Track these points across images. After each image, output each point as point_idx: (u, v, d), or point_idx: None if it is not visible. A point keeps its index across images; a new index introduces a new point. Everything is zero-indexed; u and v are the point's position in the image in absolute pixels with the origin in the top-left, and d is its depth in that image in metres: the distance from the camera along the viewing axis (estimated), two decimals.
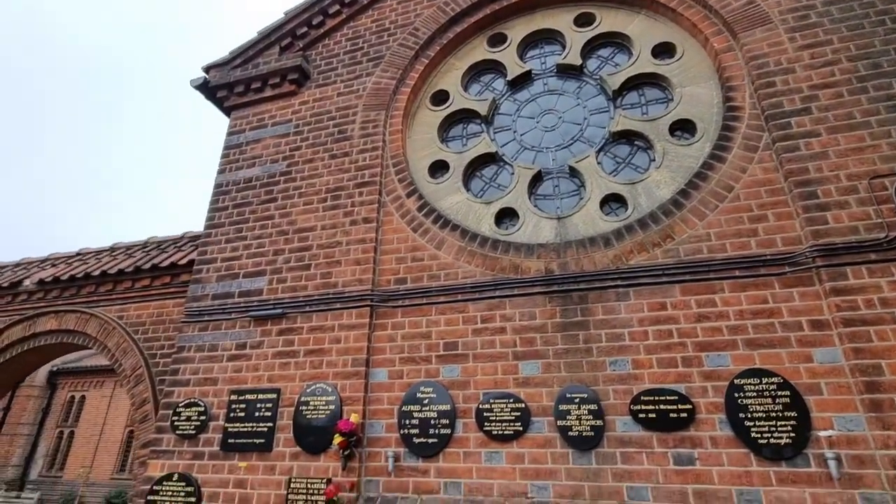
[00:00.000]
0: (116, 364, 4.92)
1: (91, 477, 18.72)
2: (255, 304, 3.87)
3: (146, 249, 5.46)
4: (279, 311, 3.74)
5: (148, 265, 4.99)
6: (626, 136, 3.79)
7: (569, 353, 3.05)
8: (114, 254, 5.59)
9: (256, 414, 3.46)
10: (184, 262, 4.86)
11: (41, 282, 5.49)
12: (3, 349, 5.49)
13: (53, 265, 5.84)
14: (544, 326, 3.17)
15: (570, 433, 2.84)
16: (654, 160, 3.61)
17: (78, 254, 5.90)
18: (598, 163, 3.73)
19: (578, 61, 4.14)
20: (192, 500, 3.32)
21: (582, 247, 3.33)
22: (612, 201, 3.58)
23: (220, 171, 4.69)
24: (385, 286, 3.64)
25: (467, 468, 2.97)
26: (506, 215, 3.79)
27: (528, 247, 3.46)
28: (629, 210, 3.44)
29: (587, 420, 2.84)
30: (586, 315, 3.11)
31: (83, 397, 21.44)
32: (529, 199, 3.77)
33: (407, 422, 3.16)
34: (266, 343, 3.70)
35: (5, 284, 5.62)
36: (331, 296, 3.68)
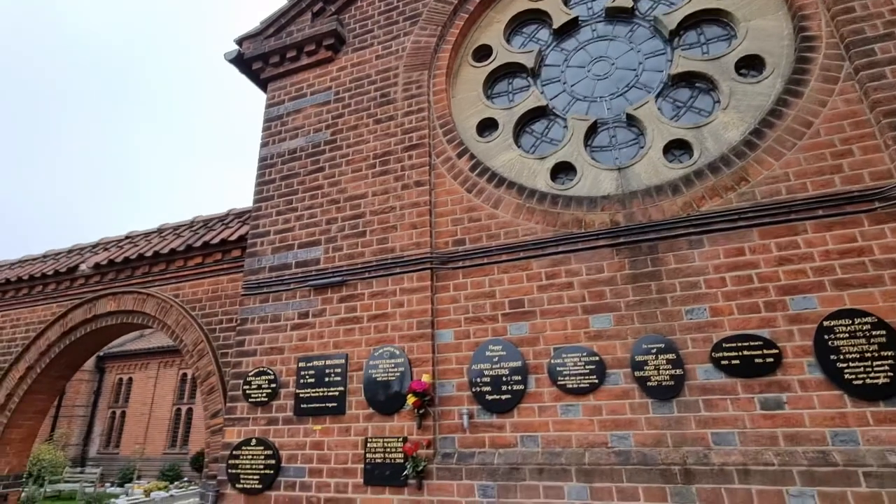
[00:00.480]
0: (177, 340, 5.07)
1: (145, 453, 19.76)
2: (314, 273, 3.89)
3: (193, 229, 5.53)
4: (338, 278, 3.76)
5: (199, 243, 5.06)
6: (687, 79, 3.60)
7: (642, 304, 2.99)
8: (162, 234, 5.69)
9: (326, 379, 3.52)
10: (234, 237, 4.91)
11: (97, 265, 5.64)
12: (69, 331, 5.71)
13: (105, 249, 5.99)
14: (613, 279, 3.11)
15: (649, 383, 2.81)
16: (718, 101, 3.43)
17: (127, 237, 6.03)
18: (658, 109, 3.56)
19: (629, 3, 3.92)
20: (273, 461, 3.44)
21: (648, 196, 3.22)
22: (675, 148, 3.43)
23: (263, 145, 4.67)
24: (443, 248, 3.61)
25: (543, 422, 2.98)
26: (561, 170, 3.69)
27: (589, 200, 3.36)
28: (695, 155, 3.30)
29: (666, 370, 2.80)
30: (658, 265, 3.03)
31: (130, 379, 22.43)
32: (585, 151, 3.65)
33: (478, 380, 3.17)
34: (328, 311, 3.74)
35: (63, 269, 5.80)
36: (389, 261, 3.67)
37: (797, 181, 2.89)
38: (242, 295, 4.12)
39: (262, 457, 3.49)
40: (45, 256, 6.50)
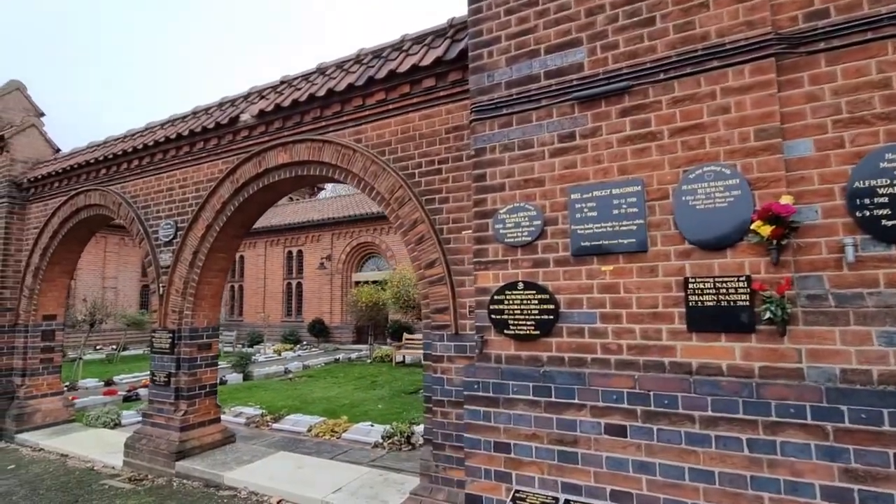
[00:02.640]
0: (366, 189, 4.58)
1: (267, 320, 21.89)
2: (576, 83, 3.01)
3: (362, 62, 4.73)
4: (617, 85, 2.86)
5: (382, 73, 4.28)
6: None
7: None
8: (327, 73, 4.95)
9: (615, 212, 2.83)
10: (426, 62, 4.06)
11: (261, 113, 5.11)
12: (241, 188, 5.44)
13: (262, 97, 5.42)
14: None
15: None
16: None
17: (283, 82, 5.38)
18: None
19: None
20: (550, 306, 2.94)
21: None
22: None
23: None
24: (789, 27, 2.55)
25: None
26: None
27: None
28: None
29: None
30: None
31: (241, 257, 24.15)
32: None
33: (866, 201, 2.32)
34: (604, 129, 2.92)
35: (224, 121, 5.36)
36: (700, 53, 2.68)
37: None
38: (473, 120, 3.38)
39: (536, 301, 2.99)
40: (194, 113, 6.10)
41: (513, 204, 3.15)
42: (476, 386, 3.12)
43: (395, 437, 6.50)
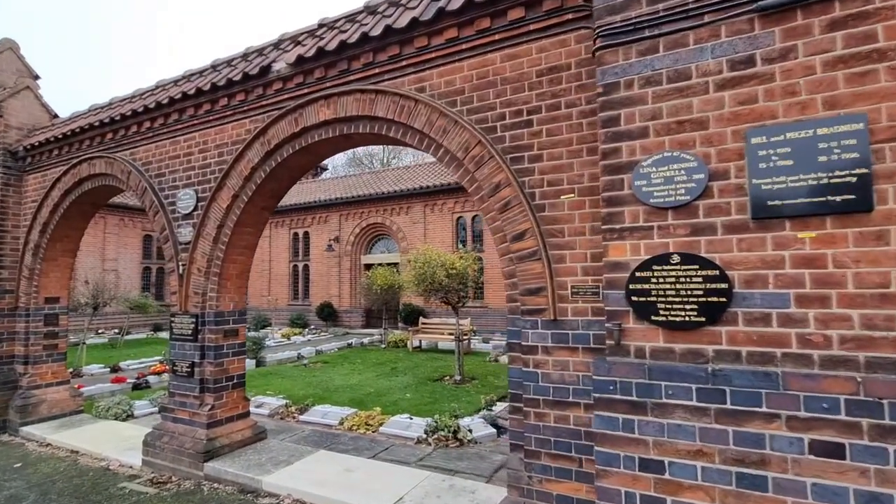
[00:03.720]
0: (432, 148, 3.84)
1: (274, 303, 21.24)
2: None
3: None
4: None
5: (456, 4, 3.50)
6: None
7: None
8: (378, 12, 4.16)
9: (821, 159, 2.12)
10: None
11: (300, 60, 4.32)
12: (273, 150, 4.68)
13: (297, 43, 4.63)
14: None
15: None
16: None
17: (321, 25, 4.58)
18: None
19: None
20: (720, 285, 2.25)
21: None
22: None
23: None
24: None
25: None
26: None
27: None
28: None
29: None
30: None
31: None
32: None
33: None
34: (801, 49, 2.19)
35: (254, 71, 4.57)
36: None
37: None
38: (600, 49, 2.64)
39: (699, 279, 2.30)
40: (213, 67, 5.30)
41: (660, 154, 2.44)
42: (611, 387, 2.44)
43: (441, 433, 5.88)
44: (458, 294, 10.37)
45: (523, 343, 3.34)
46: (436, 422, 6.08)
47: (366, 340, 16.35)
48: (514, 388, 3.41)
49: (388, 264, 17.51)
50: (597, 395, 2.48)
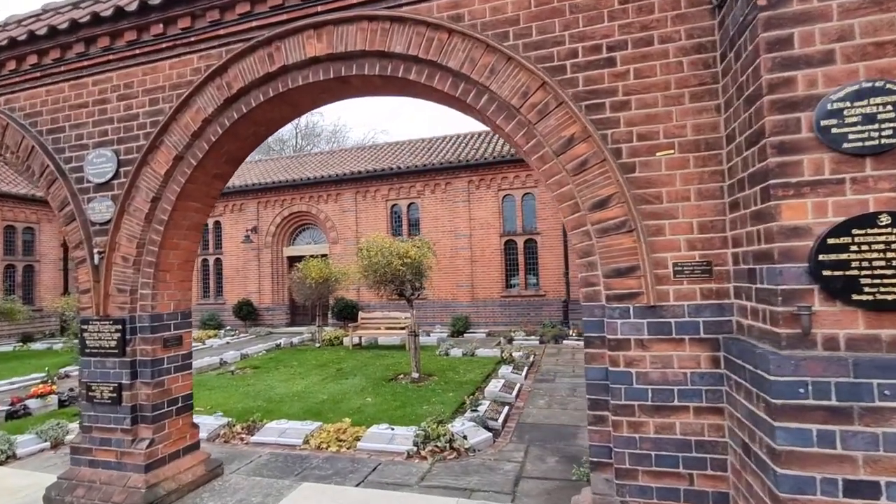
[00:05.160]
0: (475, 95, 3.02)
1: None
2: None
3: None
4: None
5: None
6: None
7: None
8: None
9: None
10: None
11: None
12: (234, 98, 3.52)
13: None
14: None
15: None
16: None
17: None
18: None
19: None
20: None
21: None
22: None
23: None
24: None
25: None
26: None
27: None
28: None
29: None
30: None
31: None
32: None
33: None
34: None
35: None
36: None
37: None
38: None
39: None
40: None
41: (855, 85, 1.88)
42: (802, 390, 1.86)
43: (436, 443, 5.08)
44: (413, 285, 9.52)
45: (609, 336, 2.68)
46: (425, 431, 5.26)
47: (295, 340, 14.82)
48: (594, 393, 2.75)
49: (315, 256, 16.05)
50: (780, 402, 1.88)
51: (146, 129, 3.73)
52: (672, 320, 2.58)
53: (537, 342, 12.76)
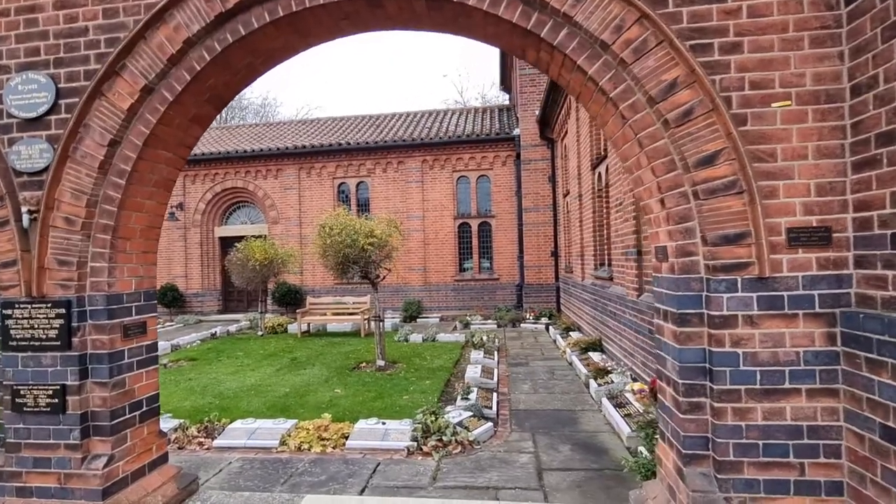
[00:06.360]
0: (552, 28, 2.52)
1: None
2: None
3: None
4: None
5: None
6: None
7: None
8: None
9: None
10: None
11: None
12: (228, 14, 2.74)
13: None
14: None
15: None
16: None
17: None
18: None
19: None
20: None
21: None
22: None
23: None
24: None
25: None
26: None
27: None
28: None
29: None
30: None
31: None
32: None
33: None
34: None
35: None
36: None
37: None
38: None
39: None
40: None
41: None
42: None
43: (442, 436, 4.59)
44: (379, 266, 8.85)
45: (713, 313, 2.34)
46: (424, 424, 4.76)
47: (233, 328, 13.51)
48: (689, 377, 2.41)
49: (254, 237, 14.68)
50: None
51: (99, 48, 2.81)
52: (785, 293, 2.29)
53: (495, 326, 12.59)
